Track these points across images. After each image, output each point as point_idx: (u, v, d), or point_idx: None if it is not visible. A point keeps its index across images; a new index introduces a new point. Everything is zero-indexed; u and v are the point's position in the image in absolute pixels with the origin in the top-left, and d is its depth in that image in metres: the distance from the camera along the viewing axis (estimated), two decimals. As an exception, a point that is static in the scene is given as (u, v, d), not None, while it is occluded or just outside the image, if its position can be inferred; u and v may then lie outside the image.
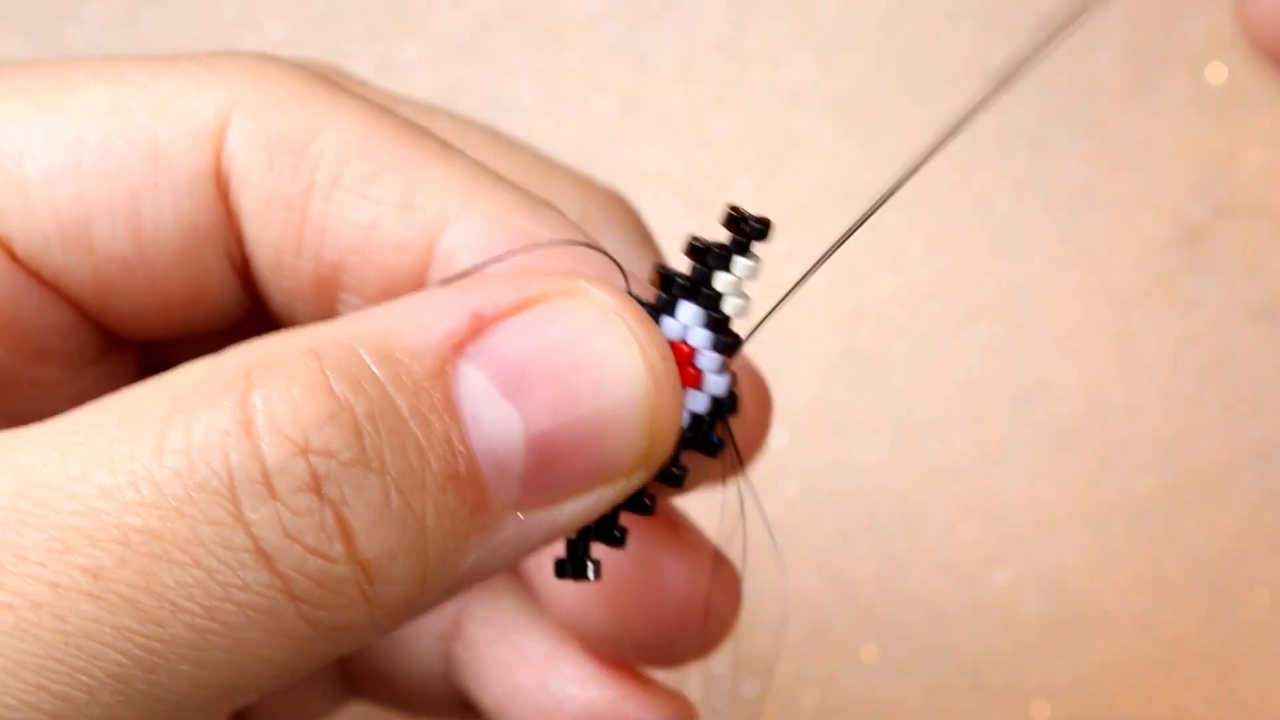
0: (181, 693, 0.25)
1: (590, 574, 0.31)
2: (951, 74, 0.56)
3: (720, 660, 0.51)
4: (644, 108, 0.55)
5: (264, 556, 0.25)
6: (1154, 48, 0.56)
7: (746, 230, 0.30)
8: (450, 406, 0.27)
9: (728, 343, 0.30)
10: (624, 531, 0.31)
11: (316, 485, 0.25)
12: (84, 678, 0.25)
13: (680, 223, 0.52)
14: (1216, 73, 0.56)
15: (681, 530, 0.36)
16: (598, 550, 0.31)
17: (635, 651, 0.37)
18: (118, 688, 0.25)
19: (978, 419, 0.54)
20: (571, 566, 0.31)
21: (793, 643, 0.52)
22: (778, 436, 0.53)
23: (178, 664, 0.25)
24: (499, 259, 0.30)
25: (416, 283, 0.31)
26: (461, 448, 0.26)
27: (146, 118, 0.31)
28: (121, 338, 0.34)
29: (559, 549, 0.31)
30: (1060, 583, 0.52)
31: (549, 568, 0.36)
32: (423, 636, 0.38)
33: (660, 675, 0.39)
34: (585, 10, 0.56)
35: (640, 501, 0.31)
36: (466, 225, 0.31)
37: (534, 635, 0.37)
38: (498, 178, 0.32)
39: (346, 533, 0.25)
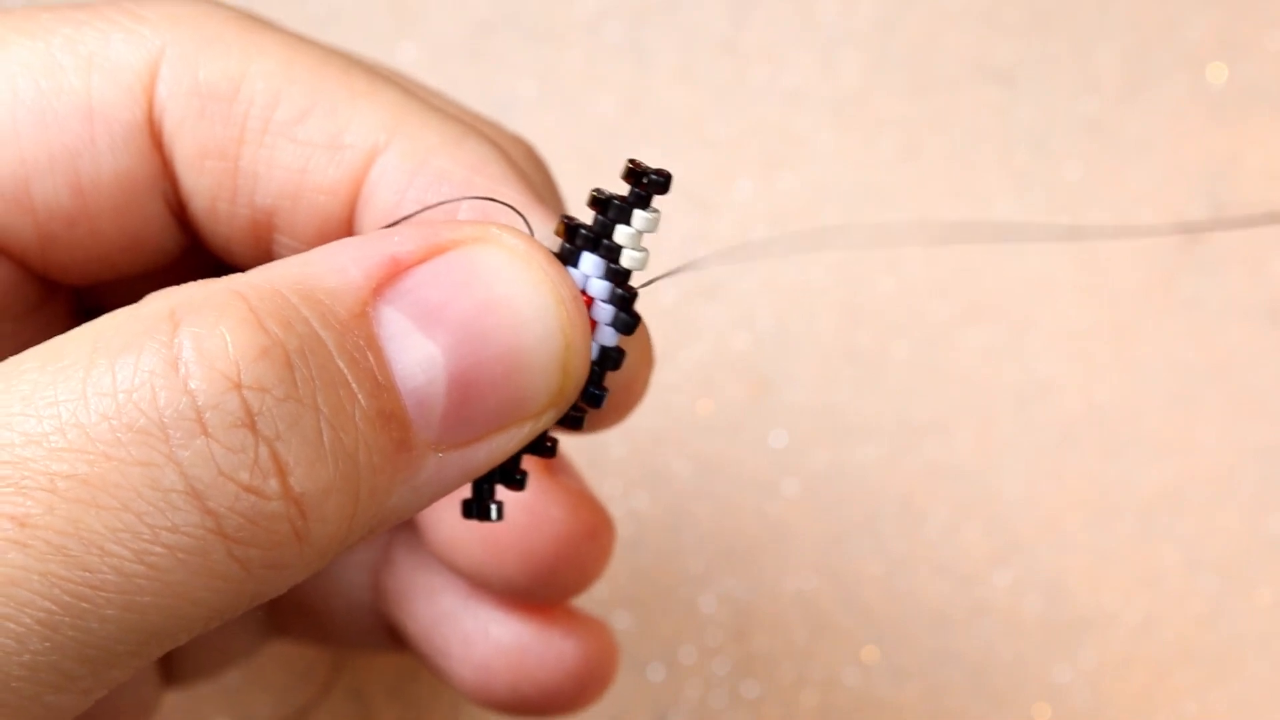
0: (111, 637, 0.25)
1: (494, 515, 0.32)
2: (951, 74, 0.56)
3: (721, 662, 0.51)
4: (644, 108, 0.55)
5: (194, 496, 0.25)
6: (1154, 48, 0.57)
7: (646, 184, 0.30)
8: (374, 345, 0.27)
9: (624, 296, 0.30)
10: (524, 475, 0.32)
11: (251, 421, 0.25)
12: (12, 625, 0.25)
13: (680, 223, 0.52)
14: (1216, 73, 0.56)
15: (558, 475, 0.37)
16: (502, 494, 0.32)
17: (512, 590, 0.37)
18: (46, 634, 0.25)
19: (978, 419, 0.54)
20: (477, 507, 0.32)
21: (793, 643, 0.52)
22: (777, 437, 0.53)
23: (105, 609, 0.25)
24: (411, 216, 0.31)
25: (345, 222, 0.32)
26: (387, 385, 0.27)
27: (79, 73, 0.31)
28: (61, 284, 0.34)
29: (465, 491, 0.32)
30: (1061, 583, 0.52)
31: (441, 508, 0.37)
32: (352, 569, 0.39)
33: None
34: (585, 10, 0.56)
35: (542, 444, 0.31)
36: (390, 162, 0.31)
37: None
38: (425, 105, 0.32)
39: (281, 469, 0.25)
